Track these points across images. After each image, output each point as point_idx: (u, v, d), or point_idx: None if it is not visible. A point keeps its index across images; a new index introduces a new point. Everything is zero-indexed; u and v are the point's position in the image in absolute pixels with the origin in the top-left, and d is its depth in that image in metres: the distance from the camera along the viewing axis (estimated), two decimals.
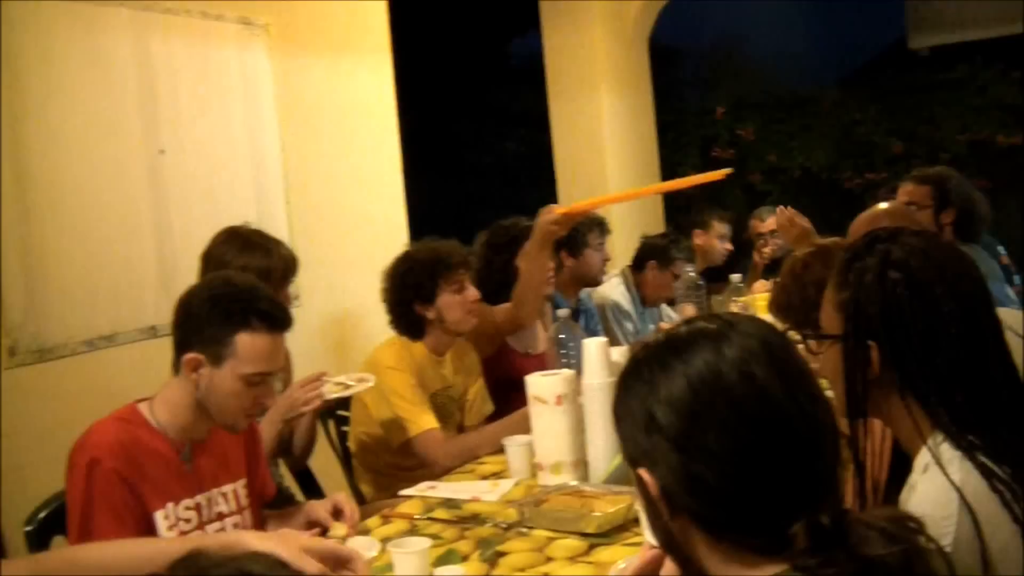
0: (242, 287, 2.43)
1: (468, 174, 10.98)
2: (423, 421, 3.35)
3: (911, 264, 1.66)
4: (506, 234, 3.88)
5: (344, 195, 4.88)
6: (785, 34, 12.56)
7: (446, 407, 3.58)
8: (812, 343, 1.83)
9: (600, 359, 2.74)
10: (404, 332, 3.51)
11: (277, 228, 4.27)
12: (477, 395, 3.73)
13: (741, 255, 6.22)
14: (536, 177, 9.91)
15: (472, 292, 3.49)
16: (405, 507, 2.79)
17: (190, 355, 2.37)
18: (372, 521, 2.70)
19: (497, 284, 3.78)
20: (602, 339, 2.81)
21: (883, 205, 3.42)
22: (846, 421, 1.70)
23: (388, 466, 3.52)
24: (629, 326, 4.78)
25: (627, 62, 7.59)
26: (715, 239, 5.72)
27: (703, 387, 1.26)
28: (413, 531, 2.59)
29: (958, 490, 1.47)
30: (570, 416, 2.83)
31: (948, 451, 1.54)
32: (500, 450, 3.13)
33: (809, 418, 1.25)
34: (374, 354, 3.52)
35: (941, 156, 7.90)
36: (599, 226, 4.60)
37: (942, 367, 1.59)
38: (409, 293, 3.45)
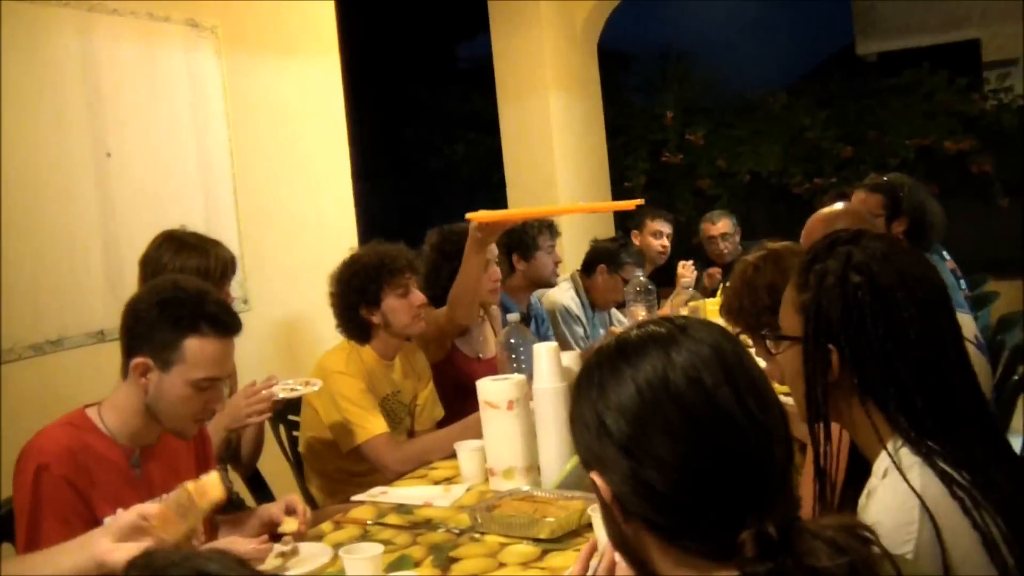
0: (191, 291, 2.40)
1: (416, 178, 10.94)
2: (373, 426, 3.33)
3: (873, 268, 1.65)
4: (458, 241, 3.86)
5: (293, 199, 4.84)
6: (733, 40, 12.65)
7: (396, 412, 3.57)
8: (770, 344, 1.83)
9: (551, 363, 2.74)
10: (351, 336, 3.49)
11: (226, 232, 4.23)
12: (427, 399, 3.72)
13: (695, 259, 6.27)
14: (485, 180, 9.90)
15: (417, 296, 3.48)
16: (357, 513, 2.78)
17: (138, 360, 2.34)
18: (324, 527, 2.68)
19: (444, 290, 3.76)
20: (553, 343, 2.80)
21: (839, 205, 3.41)
22: (804, 426, 1.70)
23: (338, 471, 3.50)
24: (579, 330, 4.79)
25: (576, 65, 7.61)
26: (649, 236, 5.74)
27: (651, 393, 1.26)
28: (365, 536, 2.57)
29: (919, 496, 1.47)
30: (522, 421, 2.83)
31: (908, 456, 1.53)
32: (452, 455, 3.13)
33: (759, 426, 1.26)
34: (323, 359, 3.49)
35: (889, 161, 8.01)
36: (549, 228, 4.60)
37: (902, 372, 1.59)
38: (354, 297, 3.43)
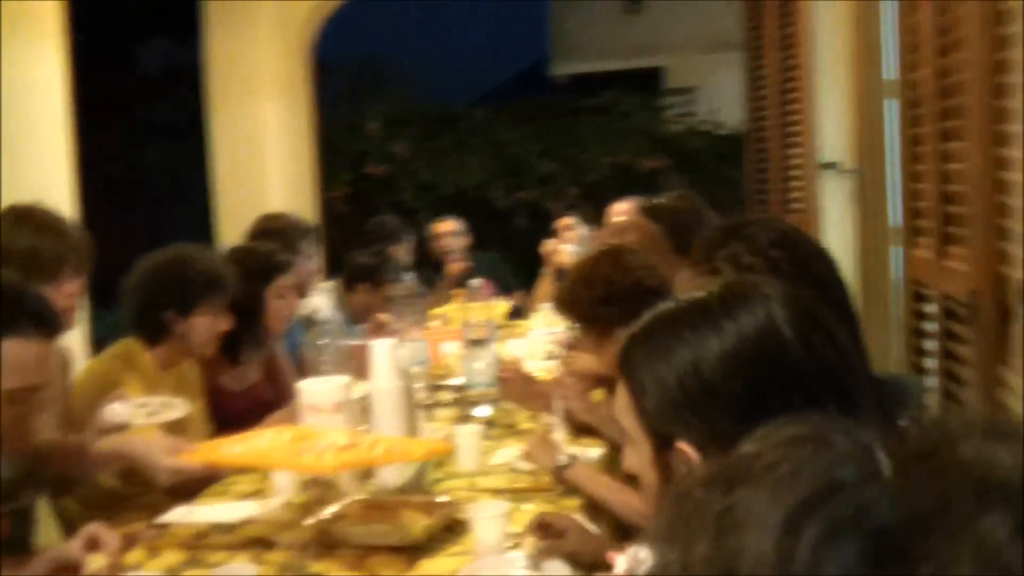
0: (6, 283, 2.05)
1: (105, 187, 10.18)
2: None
3: (786, 242, 1.75)
4: (264, 262, 3.58)
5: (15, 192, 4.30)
6: (426, 52, 12.77)
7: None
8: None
9: (388, 362, 2.58)
10: (142, 332, 3.13)
11: None
12: (198, 416, 3.40)
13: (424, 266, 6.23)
14: (179, 189, 9.46)
15: (224, 322, 3.19)
16: (170, 536, 2.47)
17: None
18: (135, 556, 2.36)
19: (243, 314, 3.43)
20: (390, 340, 2.65)
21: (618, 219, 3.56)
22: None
23: (100, 495, 3.12)
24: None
25: (290, 72, 7.34)
26: (404, 254, 5.67)
27: (758, 346, 1.18)
28: (194, 561, 2.29)
29: None
30: (349, 424, 2.63)
31: None
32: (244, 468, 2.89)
33: (856, 372, 1.22)
34: (95, 365, 3.12)
35: (589, 177, 8.33)
36: (311, 233, 4.37)
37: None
38: (167, 297, 3.10)
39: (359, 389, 2.84)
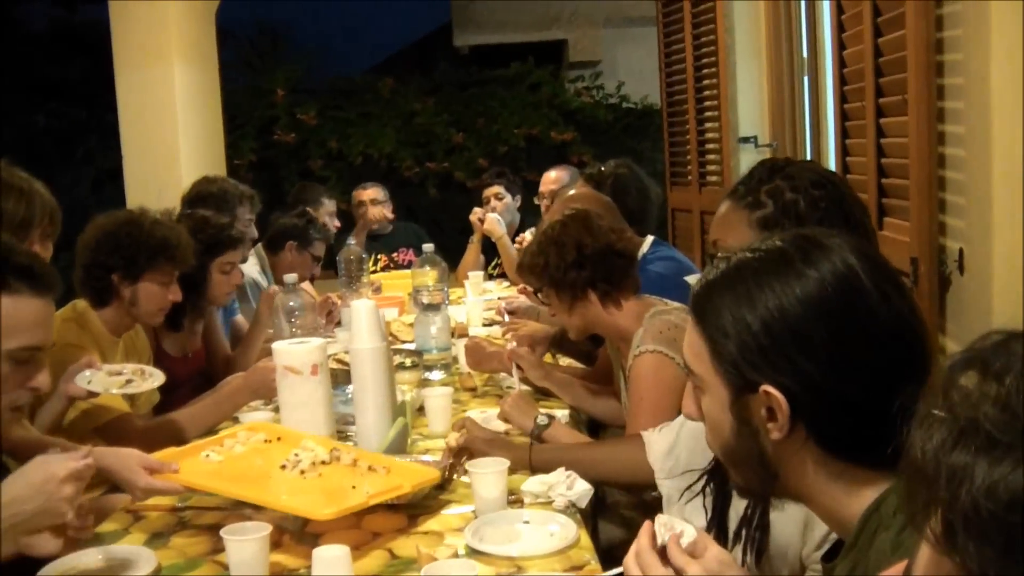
0: None
1: None
2: (115, 405, 2.96)
3: (825, 183, 1.92)
4: (217, 233, 3.53)
5: None
6: (327, 21, 12.58)
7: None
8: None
9: (371, 322, 2.58)
10: (88, 293, 3.08)
11: None
12: None
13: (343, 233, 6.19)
14: (70, 154, 9.16)
15: (176, 293, 3.16)
16: (153, 498, 2.44)
17: None
18: (115, 521, 2.33)
19: (187, 283, 3.38)
20: (371, 302, 2.64)
21: (572, 192, 3.71)
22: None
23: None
24: None
25: (197, 34, 7.18)
26: (326, 216, 5.61)
27: (844, 295, 1.24)
28: (181, 524, 2.28)
29: None
30: (325, 387, 2.64)
31: None
32: (209, 432, 2.88)
33: (924, 328, 1.30)
34: None
35: (499, 148, 8.37)
36: (250, 200, 4.30)
37: None
38: (115, 260, 3.04)
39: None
